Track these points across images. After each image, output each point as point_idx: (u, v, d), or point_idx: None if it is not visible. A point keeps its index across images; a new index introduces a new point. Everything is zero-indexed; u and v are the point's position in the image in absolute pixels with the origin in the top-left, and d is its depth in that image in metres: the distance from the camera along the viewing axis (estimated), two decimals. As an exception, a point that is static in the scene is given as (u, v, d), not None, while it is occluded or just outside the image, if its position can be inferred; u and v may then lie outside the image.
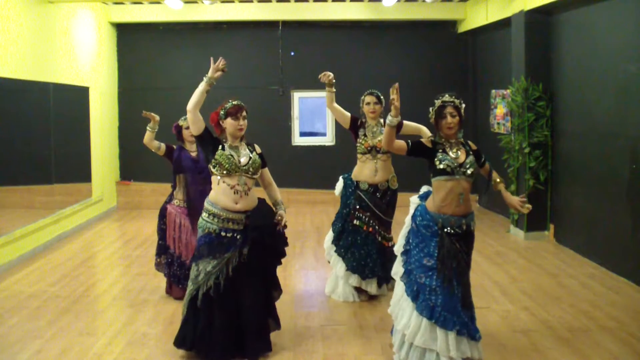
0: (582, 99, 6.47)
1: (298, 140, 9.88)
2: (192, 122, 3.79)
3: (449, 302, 3.56)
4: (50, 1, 7.32)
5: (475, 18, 8.90)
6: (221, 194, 3.86)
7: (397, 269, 3.89)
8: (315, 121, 10.14)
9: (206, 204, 3.93)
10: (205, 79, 3.75)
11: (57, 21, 7.52)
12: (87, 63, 8.44)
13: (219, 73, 3.76)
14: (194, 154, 5.15)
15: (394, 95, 3.60)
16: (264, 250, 3.93)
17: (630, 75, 5.54)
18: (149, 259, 6.47)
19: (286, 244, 4.08)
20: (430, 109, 3.80)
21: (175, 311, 4.88)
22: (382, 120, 5.04)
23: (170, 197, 5.22)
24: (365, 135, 5.02)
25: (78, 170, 8.39)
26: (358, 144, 5.05)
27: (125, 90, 9.69)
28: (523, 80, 7.06)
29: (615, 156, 5.79)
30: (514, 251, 6.75)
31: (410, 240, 3.76)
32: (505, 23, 7.85)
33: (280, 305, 4.86)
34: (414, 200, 3.90)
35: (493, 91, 8.54)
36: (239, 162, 3.86)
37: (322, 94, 9.69)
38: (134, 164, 9.69)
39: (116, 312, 4.91)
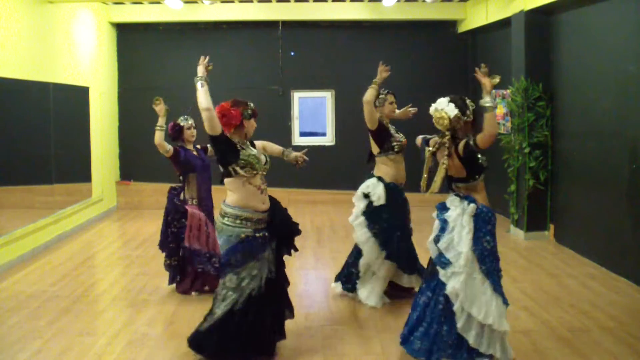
0: (582, 99, 6.47)
1: (298, 140, 9.88)
2: (210, 119, 3.61)
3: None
4: (50, 1, 7.32)
5: (475, 18, 8.90)
6: (250, 196, 3.77)
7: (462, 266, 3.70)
8: (315, 121, 10.14)
9: (232, 210, 3.77)
10: (199, 79, 3.66)
11: (57, 21, 7.52)
12: (87, 63, 8.44)
13: (209, 67, 3.78)
14: (195, 153, 5.27)
15: None
16: (282, 242, 3.98)
17: (630, 75, 5.54)
18: (149, 259, 6.48)
19: (299, 231, 4.11)
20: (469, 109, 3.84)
21: (175, 311, 4.88)
22: None
23: (183, 198, 5.23)
24: (396, 133, 5.02)
25: (78, 170, 8.39)
26: (395, 144, 4.93)
27: (125, 90, 9.69)
28: (523, 80, 7.06)
29: (615, 156, 5.79)
30: (514, 251, 6.75)
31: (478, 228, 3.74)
32: (505, 23, 7.85)
33: (280, 305, 4.89)
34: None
35: (493, 91, 8.50)
36: (260, 161, 3.86)
37: (321, 94, 9.75)
38: (134, 164, 9.69)
39: (116, 312, 4.91)
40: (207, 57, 3.81)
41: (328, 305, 5.03)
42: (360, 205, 4.89)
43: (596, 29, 6.20)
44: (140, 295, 5.32)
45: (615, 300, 5.04)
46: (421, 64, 9.62)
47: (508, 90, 7.53)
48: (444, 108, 3.77)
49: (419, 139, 4.24)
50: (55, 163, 7.50)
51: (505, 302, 3.72)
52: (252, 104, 3.88)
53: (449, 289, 3.68)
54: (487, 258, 3.69)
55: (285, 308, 4.10)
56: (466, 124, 3.83)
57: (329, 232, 7.80)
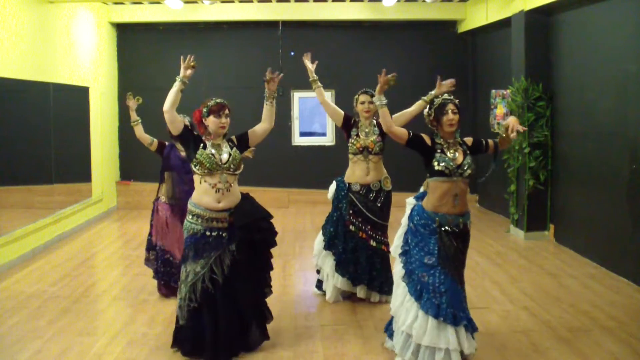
0: (582, 99, 6.47)
1: (298, 140, 9.87)
2: (170, 121, 3.83)
3: (454, 298, 3.57)
4: (50, 1, 7.32)
5: (475, 18, 8.90)
6: (203, 193, 3.85)
7: (398, 270, 3.87)
8: (315, 121, 10.14)
9: (189, 206, 3.93)
10: (178, 79, 3.80)
11: (57, 21, 7.52)
12: (87, 63, 8.44)
13: (189, 71, 3.81)
14: (183, 154, 5.08)
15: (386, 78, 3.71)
16: (253, 246, 3.95)
17: (630, 75, 5.54)
18: (149, 259, 6.47)
19: (275, 234, 4.07)
20: (428, 108, 3.80)
21: (175, 311, 4.86)
22: (375, 121, 5.02)
23: (157, 195, 5.24)
24: (357, 135, 4.95)
25: (78, 170, 8.39)
26: (350, 144, 4.97)
27: (125, 90, 9.65)
28: (523, 80, 7.06)
29: (615, 156, 5.79)
30: (514, 251, 6.75)
31: (409, 241, 3.76)
32: (505, 23, 7.85)
33: (281, 305, 4.89)
34: (410, 201, 3.90)
35: (493, 91, 8.54)
36: (220, 160, 3.86)
37: (322, 94, 9.74)
38: (134, 164, 9.68)
39: (116, 312, 4.92)
40: (192, 57, 3.83)
41: (328, 305, 5.03)
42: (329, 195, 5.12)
43: (596, 29, 6.19)
44: (140, 295, 5.32)
45: (615, 300, 5.03)
46: (421, 64, 9.61)
47: (508, 90, 7.53)
48: None
49: None
50: (55, 163, 7.50)
51: (426, 311, 3.58)
52: (214, 101, 3.89)
53: None
54: (408, 256, 3.76)
55: (263, 309, 4.10)
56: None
57: (329, 232, 7.79)
